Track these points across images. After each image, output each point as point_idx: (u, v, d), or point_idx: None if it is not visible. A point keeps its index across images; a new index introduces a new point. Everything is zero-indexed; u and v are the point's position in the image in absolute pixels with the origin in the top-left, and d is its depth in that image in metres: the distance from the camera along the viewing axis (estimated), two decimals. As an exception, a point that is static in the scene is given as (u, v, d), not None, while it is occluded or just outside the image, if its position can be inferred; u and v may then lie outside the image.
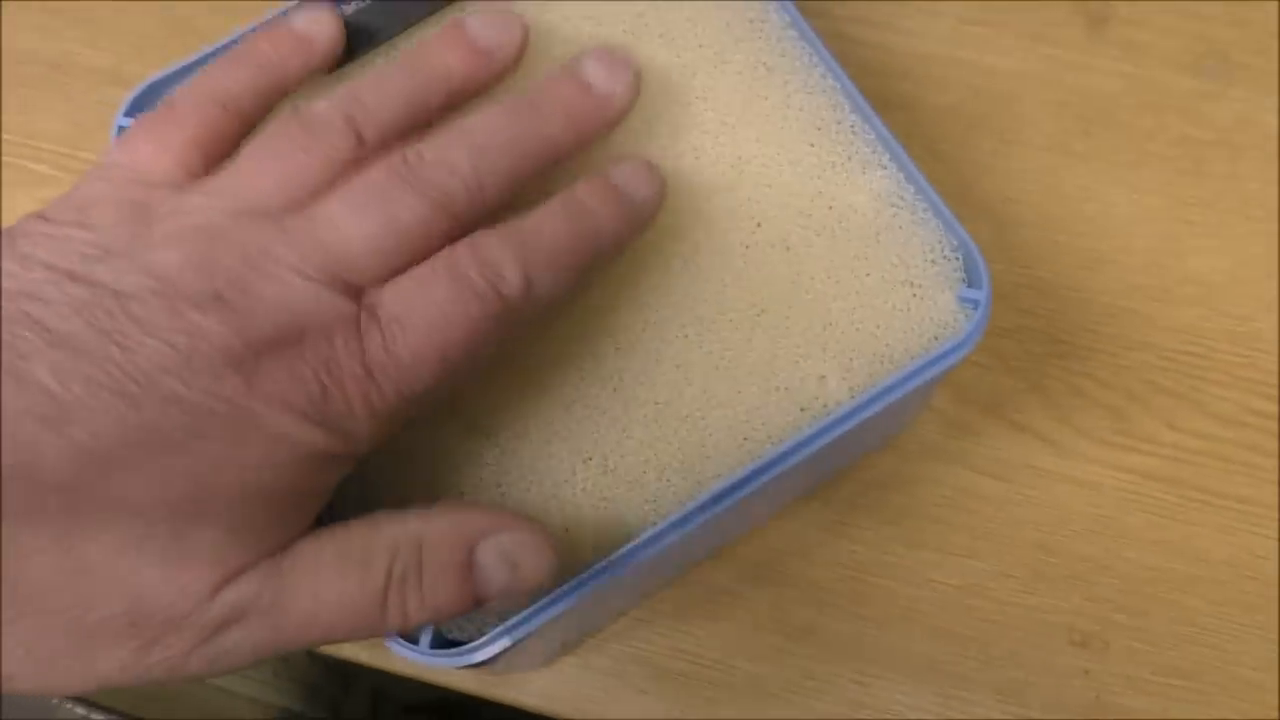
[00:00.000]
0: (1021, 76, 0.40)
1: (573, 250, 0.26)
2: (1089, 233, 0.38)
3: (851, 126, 0.31)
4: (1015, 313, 0.38)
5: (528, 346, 0.29)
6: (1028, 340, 0.38)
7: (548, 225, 0.26)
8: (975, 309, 0.28)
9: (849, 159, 0.30)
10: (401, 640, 0.26)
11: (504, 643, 0.26)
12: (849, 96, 0.31)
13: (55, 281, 0.22)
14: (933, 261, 0.29)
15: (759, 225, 0.30)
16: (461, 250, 0.25)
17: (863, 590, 0.36)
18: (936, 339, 0.29)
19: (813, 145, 0.30)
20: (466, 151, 0.26)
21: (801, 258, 0.29)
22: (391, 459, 0.28)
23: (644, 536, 0.27)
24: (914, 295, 0.29)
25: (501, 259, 0.25)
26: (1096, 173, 0.39)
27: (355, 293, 0.24)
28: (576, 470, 0.28)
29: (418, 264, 0.25)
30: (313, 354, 0.23)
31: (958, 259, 0.29)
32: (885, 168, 0.30)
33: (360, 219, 0.24)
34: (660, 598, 0.36)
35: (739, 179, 0.30)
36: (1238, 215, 0.39)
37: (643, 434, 0.28)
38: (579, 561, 0.28)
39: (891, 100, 0.40)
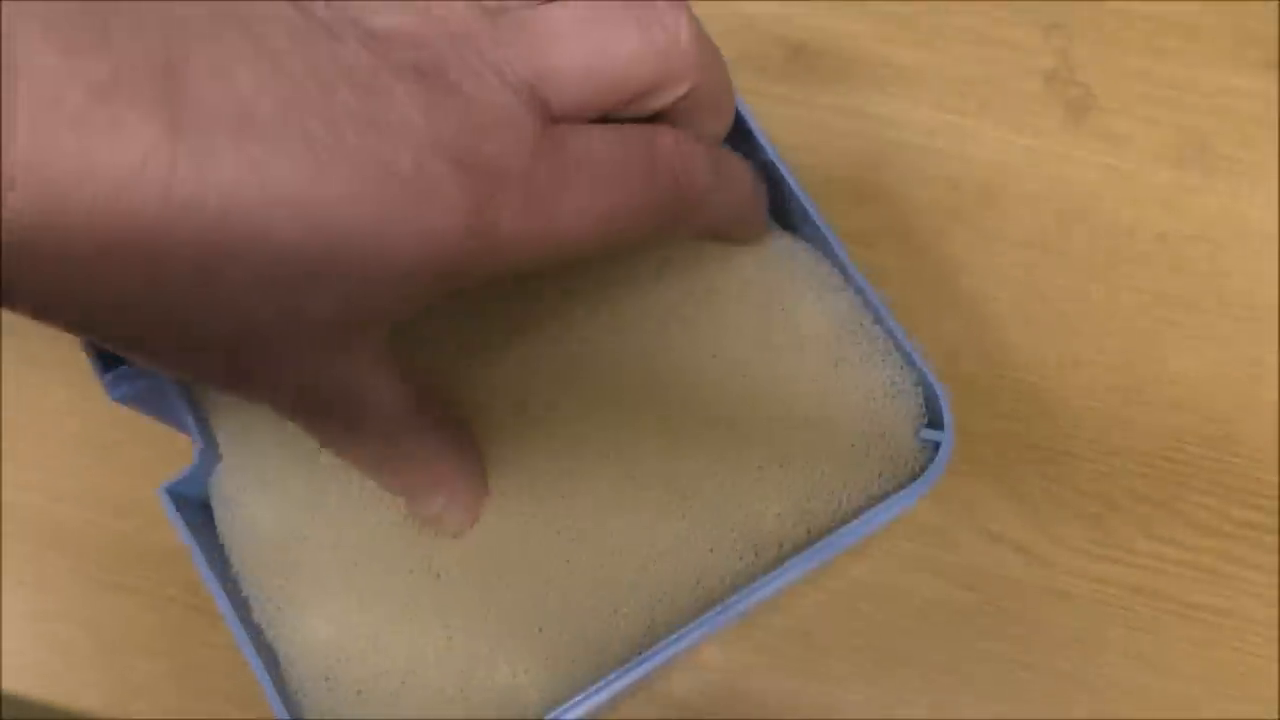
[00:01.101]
0: (1000, 167, 0.39)
1: (744, 206, 0.28)
2: (1067, 332, 0.38)
3: (806, 247, 0.30)
4: (993, 416, 0.37)
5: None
6: (1005, 445, 0.37)
7: (740, 167, 0.27)
8: (936, 449, 0.28)
9: (808, 278, 0.29)
10: None
11: None
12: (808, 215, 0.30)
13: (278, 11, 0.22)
14: (892, 396, 0.28)
15: (714, 355, 0.29)
16: (665, 136, 0.25)
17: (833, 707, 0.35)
18: (895, 476, 0.28)
19: (764, 270, 0.29)
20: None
21: (756, 387, 0.29)
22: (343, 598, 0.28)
23: (588, 691, 0.26)
24: (873, 429, 0.28)
25: (696, 164, 0.25)
26: (1075, 269, 0.38)
27: (545, 113, 0.23)
28: (526, 618, 0.27)
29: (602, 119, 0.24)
30: (493, 149, 0.22)
31: (919, 391, 0.29)
32: (843, 290, 0.29)
33: (579, 39, 0.23)
34: None
35: (697, 304, 0.29)
36: (1217, 314, 0.38)
37: (593, 582, 0.27)
38: (526, 714, 0.27)
39: (868, 192, 0.39)
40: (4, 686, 0.36)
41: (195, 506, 0.28)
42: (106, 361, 0.28)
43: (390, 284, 0.22)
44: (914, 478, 0.28)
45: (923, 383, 0.28)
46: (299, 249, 0.21)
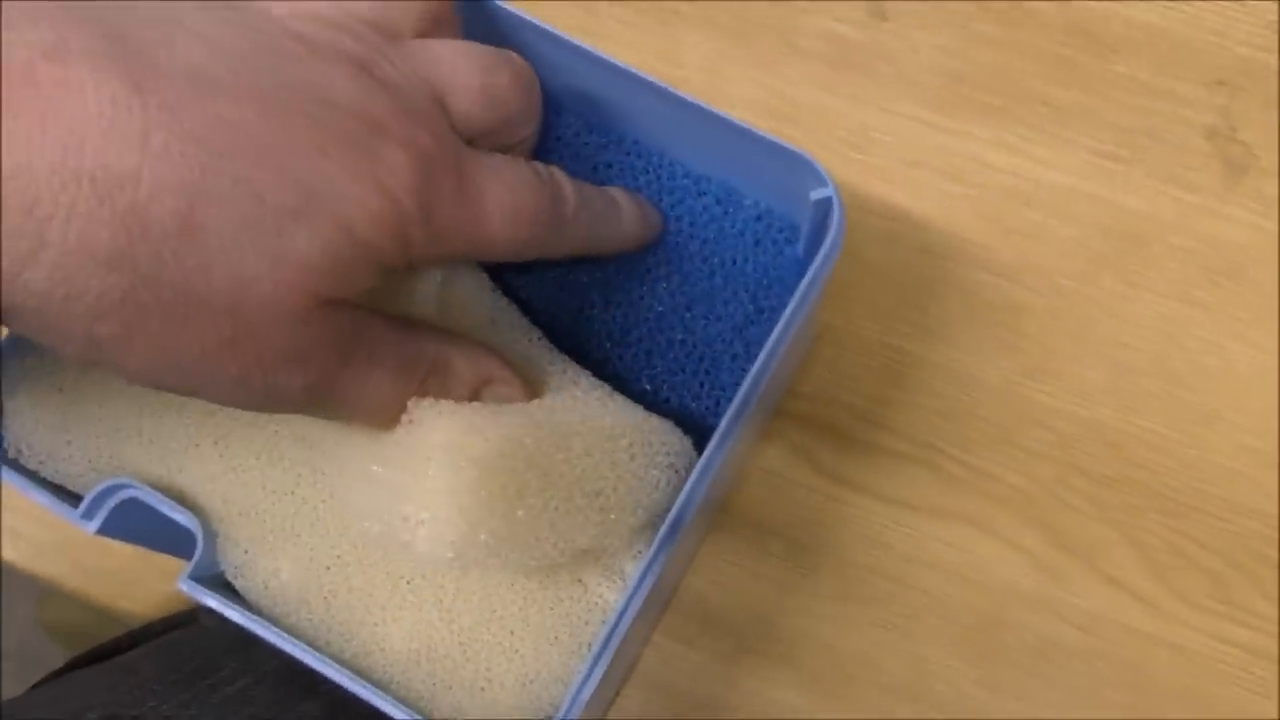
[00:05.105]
0: (1151, 218, 0.39)
1: (604, 225, 0.31)
2: (1206, 388, 0.38)
3: None
4: (1121, 462, 0.37)
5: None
6: (1130, 492, 0.37)
7: (598, 194, 0.31)
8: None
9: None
10: None
11: None
12: None
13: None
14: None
15: None
16: (540, 165, 0.29)
17: (937, 730, 0.35)
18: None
19: None
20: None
21: None
22: None
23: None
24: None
25: (565, 184, 0.29)
26: (1219, 326, 0.38)
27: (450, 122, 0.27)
28: None
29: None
30: (426, 139, 0.25)
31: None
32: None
33: (468, 65, 0.27)
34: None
35: None
36: (1362, 387, 0.38)
37: None
38: None
39: (1017, 227, 0.39)
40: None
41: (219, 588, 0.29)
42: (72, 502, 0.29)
43: (359, 232, 0.23)
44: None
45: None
46: (275, 190, 0.22)
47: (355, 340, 0.25)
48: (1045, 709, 0.35)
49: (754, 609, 0.37)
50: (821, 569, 0.37)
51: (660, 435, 0.28)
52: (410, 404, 0.26)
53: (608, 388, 0.30)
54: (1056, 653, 0.36)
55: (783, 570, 0.37)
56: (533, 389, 0.28)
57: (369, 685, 0.26)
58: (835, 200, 0.28)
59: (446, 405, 0.26)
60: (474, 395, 0.28)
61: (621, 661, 0.30)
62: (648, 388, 0.32)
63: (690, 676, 0.36)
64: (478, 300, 0.30)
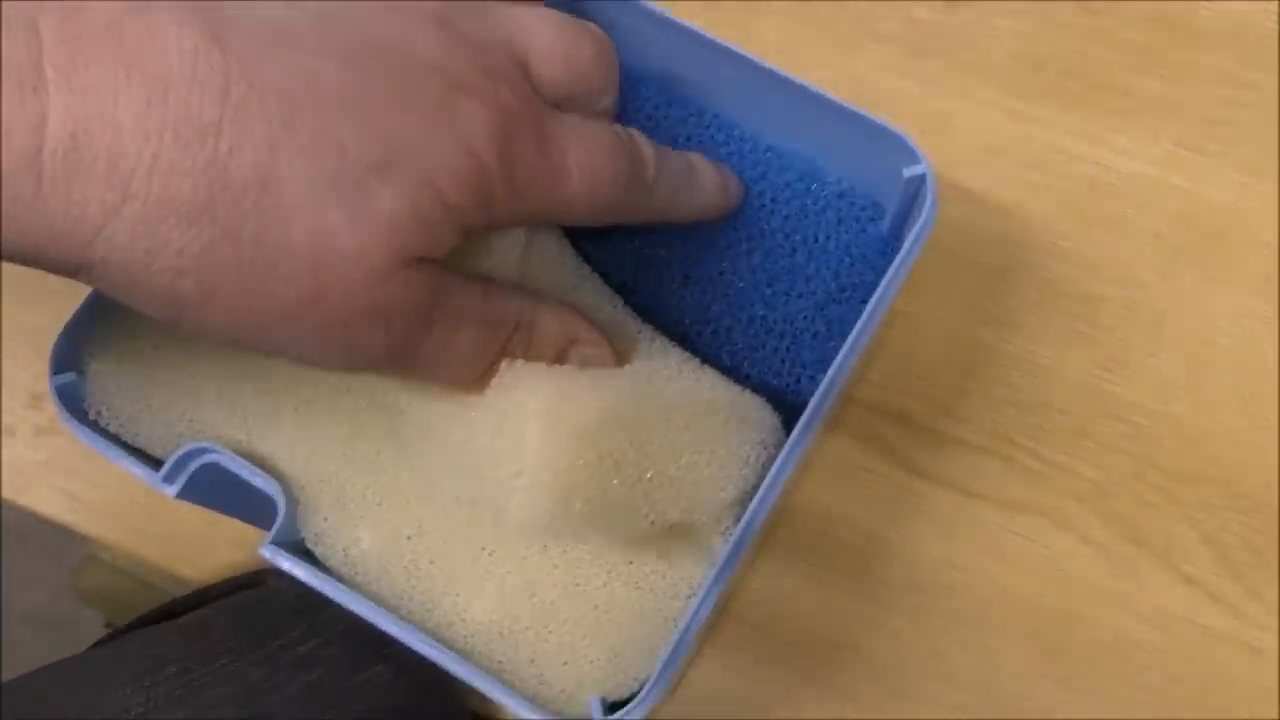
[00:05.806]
0: (1235, 211, 0.39)
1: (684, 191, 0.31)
2: (1287, 387, 0.37)
3: None
4: (1197, 458, 0.36)
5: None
6: (1207, 489, 0.36)
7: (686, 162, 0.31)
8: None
9: None
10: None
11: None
12: None
13: None
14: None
15: None
16: (619, 127, 0.29)
17: (1004, 723, 0.35)
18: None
19: None
20: None
21: None
22: None
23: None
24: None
25: (645, 146, 0.29)
26: (1302, 324, 0.37)
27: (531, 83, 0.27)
28: None
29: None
30: (506, 95, 0.25)
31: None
32: None
33: (552, 33, 0.27)
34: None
35: None
36: None
37: None
38: None
39: (1097, 217, 0.39)
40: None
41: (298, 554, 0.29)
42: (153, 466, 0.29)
43: (443, 189, 0.23)
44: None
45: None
46: (357, 144, 0.22)
47: (439, 299, 0.25)
48: (1115, 705, 0.34)
49: (821, 596, 0.36)
50: (890, 558, 0.36)
51: (753, 411, 0.28)
52: (502, 366, 0.26)
53: (697, 360, 0.29)
54: (1128, 649, 0.35)
55: (851, 558, 0.37)
56: (619, 355, 0.28)
57: (452, 653, 0.26)
58: (929, 177, 0.28)
59: (540, 369, 0.25)
60: (560, 356, 0.27)
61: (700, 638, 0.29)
62: (727, 364, 0.31)
63: (758, 660, 0.36)
64: (560, 264, 0.30)
